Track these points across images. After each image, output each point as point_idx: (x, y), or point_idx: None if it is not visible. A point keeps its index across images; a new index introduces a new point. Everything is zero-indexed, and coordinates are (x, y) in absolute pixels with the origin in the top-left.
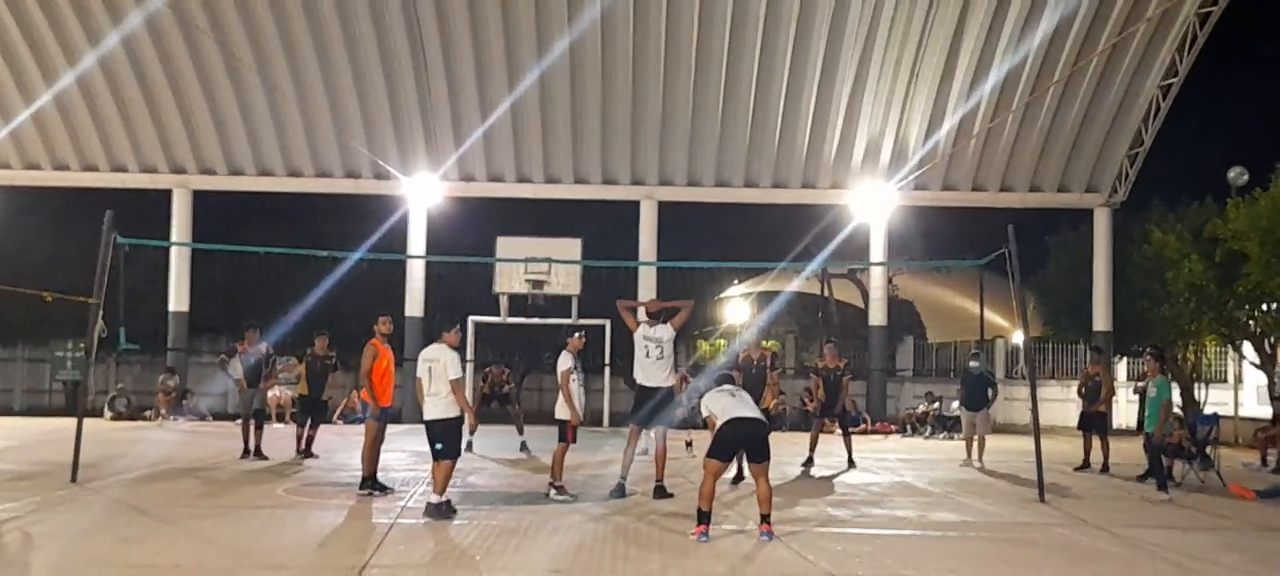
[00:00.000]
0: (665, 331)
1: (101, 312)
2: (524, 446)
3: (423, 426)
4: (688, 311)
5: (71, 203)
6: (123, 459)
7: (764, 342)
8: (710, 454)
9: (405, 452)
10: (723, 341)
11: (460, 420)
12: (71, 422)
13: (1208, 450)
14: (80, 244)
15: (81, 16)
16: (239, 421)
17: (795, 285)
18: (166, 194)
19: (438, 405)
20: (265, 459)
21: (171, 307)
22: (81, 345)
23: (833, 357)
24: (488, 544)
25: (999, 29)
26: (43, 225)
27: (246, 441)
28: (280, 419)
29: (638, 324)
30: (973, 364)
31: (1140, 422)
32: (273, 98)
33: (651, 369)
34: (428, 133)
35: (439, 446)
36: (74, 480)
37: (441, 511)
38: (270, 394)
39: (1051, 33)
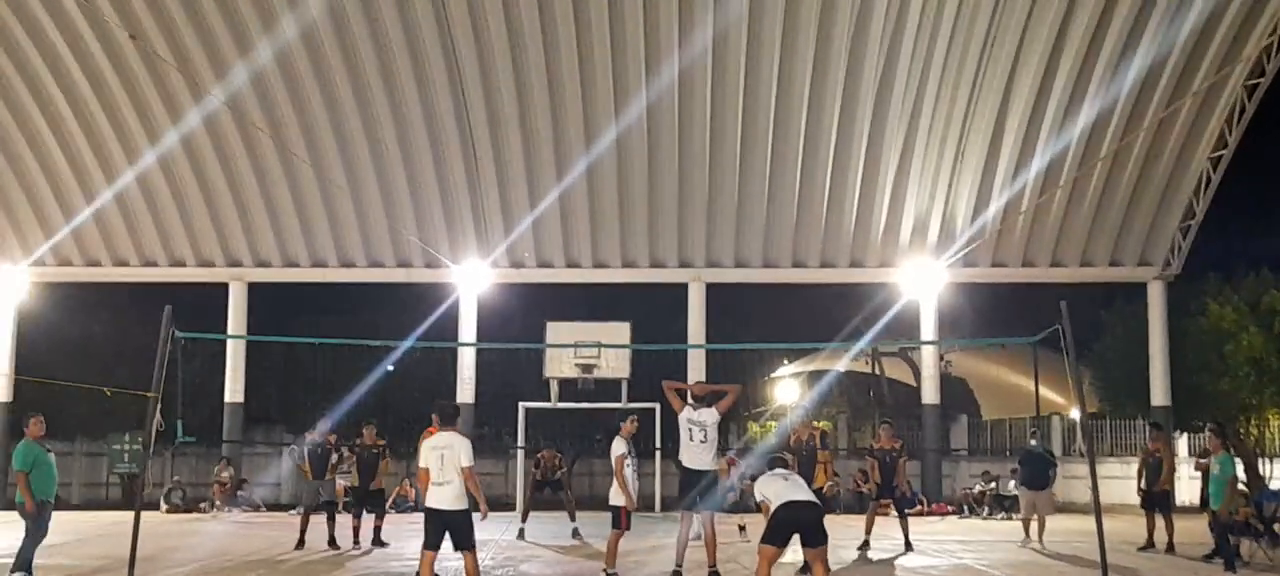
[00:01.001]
0: (710, 415)
1: (159, 407)
2: (576, 532)
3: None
4: (735, 396)
5: (132, 298)
6: (179, 552)
7: (815, 422)
8: (765, 539)
9: None
10: (773, 422)
11: (471, 510)
12: (129, 516)
13: (1275, 527)
14: (140, 338)
15: (142, 116)
16: (297, 512)
17: (842, 364)
18: (223, 287)
19: (448, 495)
20: (337, 548)
21: (227, 399)
22: (139, 438)
23: (888, 438)
24: None
25: (1044, 105)
26: (105, 320)
27: (303, 533)
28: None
29: (682, 405)
30: (1032, 442)
31: (1204, 500)
32: (326, 190)
33: (696, 452)
34: (477, 220)
35: (456, 537)
36: (131, 575)
37: None
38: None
39: (1097, 109)
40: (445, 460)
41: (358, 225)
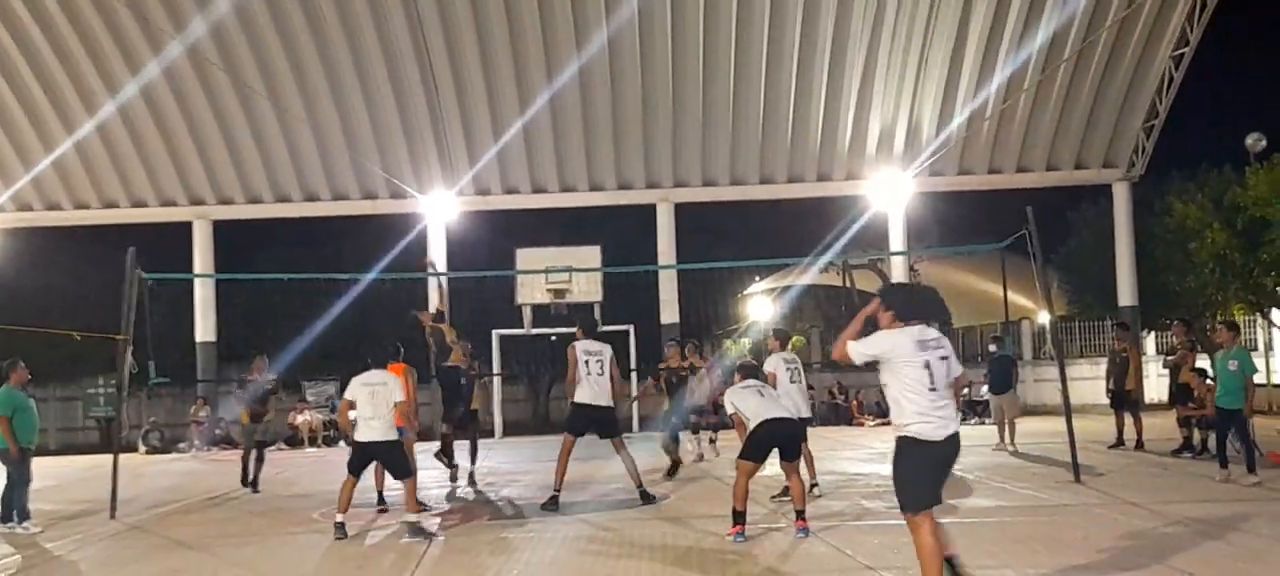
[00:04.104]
0: (605, 347)
1: (130, 349)
2: (472, 477)
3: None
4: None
5: (95, 240)
6: (160, 492)
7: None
8: (745, 455)
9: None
10: (746, 341)
11: (400, 441)
12: (107, 459)
13: None
14: (105, 281)
15: (95, 58)
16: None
17: (808, 278)
18: (187, 226)
19: (378, 428)
20: (257, 492)
21: (198, 338)
22: (113, 381)
23: (676, 357)
24: (526, 556)
25: (1006, 9)
26: (68, 265)
27: (245, 470)
28: (313, 443)
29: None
30: (992, 347)
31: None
32: (286, 124)
33: (592, 385)
34: (441, 149)
35: (391, 468)
36: (113, 516)
37: (420, 531)
38: (301, 419)
39: (1059, 11)
40: (377, 397)
41: (320, 158)
